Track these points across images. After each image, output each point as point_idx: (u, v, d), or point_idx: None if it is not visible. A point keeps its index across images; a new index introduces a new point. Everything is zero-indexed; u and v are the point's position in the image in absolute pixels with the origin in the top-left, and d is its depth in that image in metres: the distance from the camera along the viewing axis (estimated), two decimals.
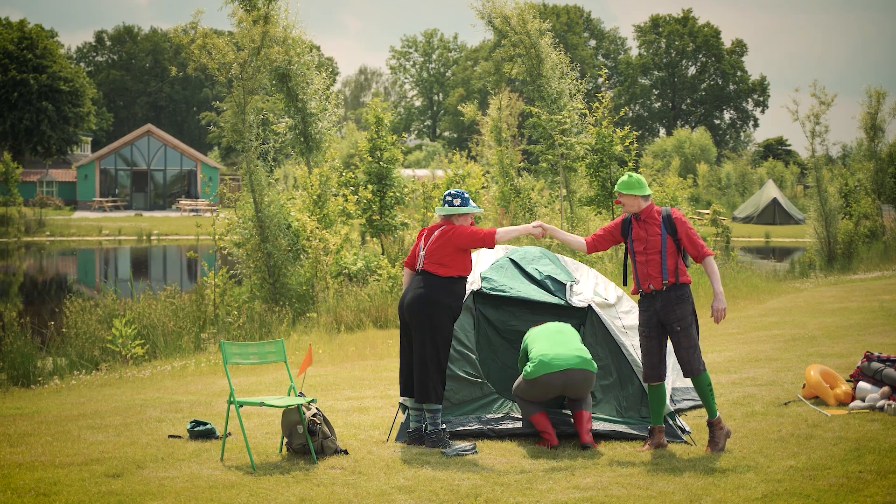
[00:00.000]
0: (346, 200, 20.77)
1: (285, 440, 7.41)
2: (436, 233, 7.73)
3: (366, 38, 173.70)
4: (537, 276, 8.56)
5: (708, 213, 32.53)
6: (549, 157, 24.54)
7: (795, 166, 70.20)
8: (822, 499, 5.92)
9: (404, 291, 7.77)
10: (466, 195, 7.84)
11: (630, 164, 22.70)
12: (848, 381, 8.72)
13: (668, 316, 7.33)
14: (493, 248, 7.68)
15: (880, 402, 8.12)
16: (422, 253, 7.73)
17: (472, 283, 8.37)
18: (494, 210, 28.17)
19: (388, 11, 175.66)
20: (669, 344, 7.82)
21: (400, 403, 8.01)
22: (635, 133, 22.73)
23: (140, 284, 24.40)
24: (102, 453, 7.42)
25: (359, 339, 14.91)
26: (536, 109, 24.53)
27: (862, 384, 8.42)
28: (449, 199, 7.79)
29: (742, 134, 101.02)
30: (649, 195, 7.56)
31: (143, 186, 67.99)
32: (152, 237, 47.15)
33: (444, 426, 7.59)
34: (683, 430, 7.70)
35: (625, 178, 7.53)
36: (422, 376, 7.50)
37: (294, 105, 21.43)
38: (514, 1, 24.83)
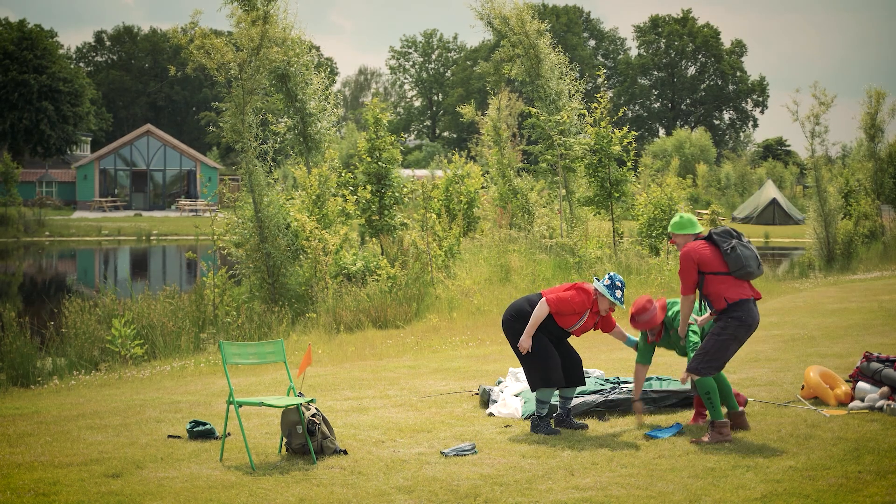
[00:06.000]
0: (346, 200, 20.74)
1: (284, 440, 7.41)
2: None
3: (365, 39, 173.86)
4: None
5: (707, 214, 32.55)
6: (549, 157, 24.53)
7: (795, 166, 70.25)
8: (821, 499, 5.92)
9: None
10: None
11: (629, 164, 22.69)
12: (847, 381, 8.71)
13: None
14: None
15: (879, 403, 8.12)
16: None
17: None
18: (493, 210, 28.16)
19: (387, 12, 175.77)
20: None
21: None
22: (634, 133, 22.72)
23: (139, 284, 24.39)
24: (102, 453, 7.42)
25: (358, 340, 14.90)
26: (535, 110, 24.52)
27: (861, 384, 8.42)
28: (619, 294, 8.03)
29: (741, 134, 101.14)
30: (696, 234, 7.74)
31: (142, 186, 67.95)
32: (152, 237, 47.16)
33: (545, 412, 7.94)
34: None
35: (676, 218, 7.81)
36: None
37: (293, 105, 21.41)
38: (513, 1, 24.84)
